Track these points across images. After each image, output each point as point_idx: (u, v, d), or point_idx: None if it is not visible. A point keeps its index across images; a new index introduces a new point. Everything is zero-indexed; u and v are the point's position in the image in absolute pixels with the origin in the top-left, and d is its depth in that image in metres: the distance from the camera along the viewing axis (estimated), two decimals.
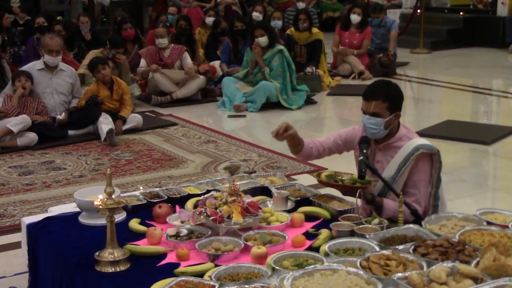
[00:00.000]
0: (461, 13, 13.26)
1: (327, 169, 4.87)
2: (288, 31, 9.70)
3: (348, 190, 3.36)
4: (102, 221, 2.99)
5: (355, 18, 10.07)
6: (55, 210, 3.60)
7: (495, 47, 12.35)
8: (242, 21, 9.45)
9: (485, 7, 13.08)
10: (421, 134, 6.46)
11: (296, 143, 3.66)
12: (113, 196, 2.80)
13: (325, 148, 3.68)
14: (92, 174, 5.79)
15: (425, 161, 3.38)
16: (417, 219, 3.17)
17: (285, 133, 3.57)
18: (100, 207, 2.76)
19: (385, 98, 3.37)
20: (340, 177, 3.40)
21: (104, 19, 14.36)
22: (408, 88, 9.75)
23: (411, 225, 2.88)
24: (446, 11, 13.86)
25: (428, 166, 3.40)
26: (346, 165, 4.14)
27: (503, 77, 10.30)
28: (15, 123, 6.51)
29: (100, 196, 2.80)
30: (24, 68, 7.08)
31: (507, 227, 2.82)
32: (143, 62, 8.60)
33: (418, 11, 12.81)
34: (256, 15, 10.46)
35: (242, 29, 9.23)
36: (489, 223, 2.91)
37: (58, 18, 10.52)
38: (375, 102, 3.36)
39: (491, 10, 12.81)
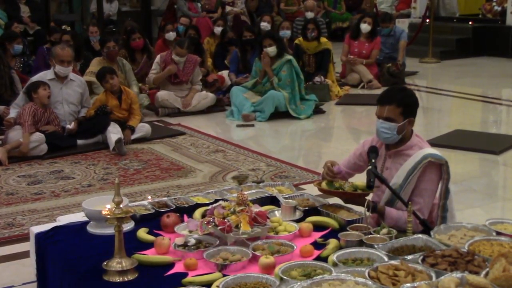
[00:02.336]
0: (470, 23, 13.25)
1: None
2: (296, 41, 9.71)
3: (349, 197, 3.35)
4: (110, 231, 2.99)
5: (365, 27, 10.08)
6: (64, 220, 3.61)
7: (504, 56, 12.32)
8: (251, 31, 9.48)
9: (494, 17, 13.06)
10: (431, 143, 6.43)
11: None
12: (121, 206, 2.80)
13: (349, 172, 3.70)
14: (101, 183, 5.80)
15: (432, 171, 3.37)
16: (426, 229, 3.15)
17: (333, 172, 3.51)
18: (108, 216, 2.77)
19: (399, 103, 3.37)
20: (340, 185, 3.39)
21: (114, 29, 14.42)
22: (417, 97, 9.73)
23: (420, 235, 2.87)
24: (455, 20, 13.84)
25: (436, 176, 3.38)
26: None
27: None
28: (30, 140, 6.52)
29: (108, 206, 2.81)
30: (35, 78, 7.09)
31: None
32: (156, 66, 8.51)
33: (427, 20, 12.81)
34: (265, 25, 10.48)
35: (250, 39, 9.25)
36: (498, 233, 2.90)
37: (64, 27, 10.54)
38: (389, 107, 3.36)
39: (500, 19, 12.79)
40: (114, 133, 6.78)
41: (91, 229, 3.28)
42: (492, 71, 11.39)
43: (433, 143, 6.64)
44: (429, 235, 2.89)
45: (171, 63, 8.37)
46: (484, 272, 2.37)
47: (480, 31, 12.90)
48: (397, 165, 3.42)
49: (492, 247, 2.68)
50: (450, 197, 3.43)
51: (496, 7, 13.05)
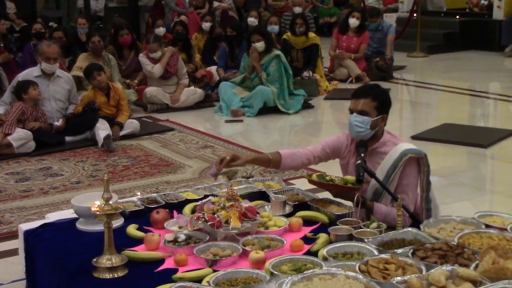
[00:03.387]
0: (457, 17, 13.28)
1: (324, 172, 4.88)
2: (284, 36, 9.71)
3: (339, 191, 3.34)
4: (99, 227, 2.98)
5: (353, 22, 10.08)
6: (53, 217, 3.58)
7: (491, 50, 12.37)
8: (233, 28, 9.45)
9: (481, 11, 13.11)
10: (419, 137, 6.51)
11: (262, 163, 3.53)
12: (110, 202, 2.79)
13: (315, 156, 3.57)
14: (90, 180, 5.78)
15: (413, 166, 3.36)
16: (415, 222, 3.16)
17: (221, 165, 3.28)
18: (98, 213, 2.75)
19: (374, 97, 3.37)
20: (330, 178, 3.38)
21: (101, 25, 14.36)
22: (405, 92, 9.76)
23: (410, 229, 2.88)
24: (442, 15, 13.88)
25: (416, 170, 3.38)
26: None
27: (499, 80, 10.31)
28: (17, 137, 6.49)
29: (98, 202, 2.79)
30: (21, 75, 7.05)
31: (505, 229, 2.82)
32: (147, 62, 8.44)
33: (415, 15, 12.83)
34: (252, 20, 10.48)
35: (232, 35, 9.24)
36: (487, 226, 2.91)
37: (50, 24, 10.49)
38: (364, 100, 3.36)
39: (487, 13, 12.84)
40: (102, 129, 6.76)
41: (80, 226, 3.27)
42: (479, 65, 11.44)
43: (421, 137, 6.67)
44: (419, 228, 2.90)
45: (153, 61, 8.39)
46: (474, 265, 2.38)
47: (467, 25, 12.94)
48: (374, 163, 3.39)
49: (482, 239, 2.69)
50: (431, 189, 3.43)
51: (482, 1, 13.09)
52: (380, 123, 3.40)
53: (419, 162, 3.37)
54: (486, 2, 12.95)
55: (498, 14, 12.42)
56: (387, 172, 3.33)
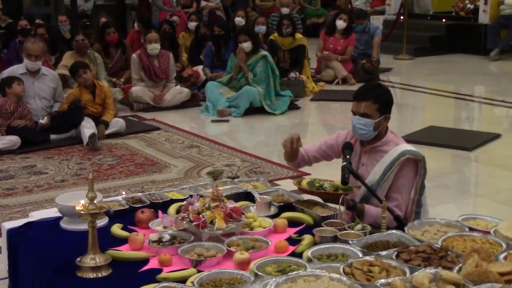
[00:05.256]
0: (443, 20, 13.35)
1: (310, 174, 4.89)
2: (271, 37, 9.71)
3: (330, 197, 3.35)
4: (83, 226, 2.96)
5: (341, 24, 10.11)
6: (36, 215, 3.56)
7: (477, 54, 12.45)
8: (221, 27, 9.45)
9: (467, 15, 13.18)
10: (405, 140, 6.51)
11: (295, 154, 3.64)
12: (95, 201, 2.77)
13: (316, 156, 3.69)
14: (74, 178, 5.75)
15: (410, 167, 3.39)
16: (400, 225, 3.17)
17: (298, 143, 3.55)
18: (82, 212, 2.74)
19: (376, 99, 3.38)
20: (320, 184, 3.39)
21: (87, 23, 14.30)
22: (392, 94, 9.79)
23: (394, 231, 2.88)
24: (429, 18, 13.94)
25: (413, 172, 3.40)
26: (333, 170, 4.13)
27: (484, 84, 10.38)
28: (2, 142, 6.45)
29: (82, 201, 2.78)
30: (6, 72, 7.01)
31: (489, 233, 2.84)
32: (135, 69, 8.37)
33: (401, 17, 12.89)
34: (239, 20, 10.48)
35: (221, 34, 9.23)
36: (471, 229, 2.92)
37: (37, 21, 10.43)
38: (365, 103, 3.37)
39: (473, 17, 12.92)
40: (87, 128, 6.73)
41: (64, 225, 3.25)
42: (464, 68, 11.51)
43: (407, 139, 6.62)
44: (403, 230, 2.91)
45: (148, 59, 8.31)
46: (457, 268, 2.39)
47: (453, 29, 13.02)
48: (373, 161, 3.43)
49: (465, 242, 2.70)
50: (424, 193, 3.45)
51: (468, 5, 13.17)
52: (383, 123, 3.43)
53: (417, 164, 3.39)
54: (472, 6, 13.03)
55: (483, 18, 12.50)
56: (384, 170, 3.36)
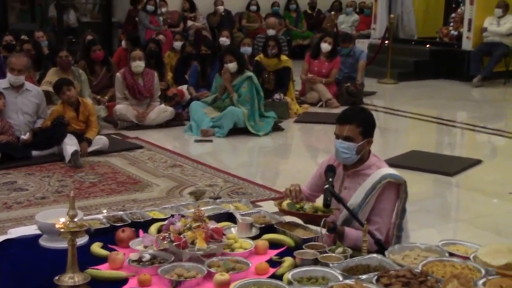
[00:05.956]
0: (427, 46, 13.49)
1: None
2: (257, 58, 9.76)
3: (310, 219, 3.36)
4: (63, 245, 2.93)
5: (325, 47, 10.18)
6: (15, 232, 3.53)
7: (460, 79, 12.57)
8: (208, 46, 9.49)
9: (451, 41, 13.33)
10: (387, 163, 6.54)
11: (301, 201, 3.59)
12: (75, 219, 2.76)
13: (312, 193, 3.70)
14: (55, 196, 5.71)
15: (391, 191, 3.41)
16: (381, 248, 3.18)
17: (300, 197, 3.49)
18: (62, 230, 2.72)
19: (359, 123, 3.41)
20: (301, 206, 3.39)
21: (73, 40, 14.29)
22: (374, 118, 9.84)
23: (375, 255, 2.89)
24: (413, 43, 14.08)
25: (394, 196, 3.42)
26: None
27: (467, 110, 10.48)
28: None
29: (62, 219, 2.76)
30: None
31: (468, 258, 2.85)
32: (119, 87, 8.36)
33: (386, 42, 13.01)
34: (224, 40, 10.53)
35: (207, 54, 9.27)
36: (451, 254, 2.94)
37: (22, 37, 10.41)
38: (349, 126, 3.40)
39: (456, 44, 13.06)
40: (70, 145, 6.69)
41: (44, 242, 3.22)
42: (448, 93, 11.61)
43: (390, 163, 6.64)
44: (384, 254, 2.92)
45: (132, 77, 8.31)
46: None
47: (437, 54, 13.15)
48: (356, 184, 3.45)
49: (445, 268, 2.72)
50: (405, 217, 3.47)
51: (452, 32, 13.32)
52: (366, 147, 3.45)
53: (399, 188, 3.41)
54: (455, 33, 13.18)
55: (467, 44, 12.64)
56: (365, 193, 3.38)
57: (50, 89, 7.62)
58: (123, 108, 8.31)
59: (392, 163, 6.47)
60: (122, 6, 15.01)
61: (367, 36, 14.54)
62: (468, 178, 6.54)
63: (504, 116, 10.27)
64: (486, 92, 11.67)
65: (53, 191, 5.83)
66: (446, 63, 12.93)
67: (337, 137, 3.43)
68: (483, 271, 2.65)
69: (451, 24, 13.43)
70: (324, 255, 2.95)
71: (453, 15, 13.63)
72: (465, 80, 12.40)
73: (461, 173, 6.60)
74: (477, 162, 6.96)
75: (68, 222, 2.73)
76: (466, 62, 12.48)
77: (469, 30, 12.56)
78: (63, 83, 7.08)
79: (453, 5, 14.70)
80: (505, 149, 8.17)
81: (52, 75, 7.99)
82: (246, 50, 10.13)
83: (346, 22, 15.50)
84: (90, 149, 6.98)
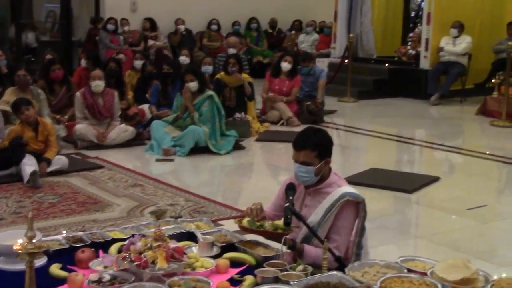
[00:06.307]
0: (386, 65, 13.69)
1: None
2: (218, 75, 9.78)
3: (270, 236, 3.39)
4: (21, 266, 2.90)
5: (285, 66, 10.28)
6: None
7: (418, 98, 12.76)
8: (170, 65, 9.49)
9: (409, 60, 13.55)
10: (347, 181, 6.60)
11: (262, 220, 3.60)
12: (34, 240, 2.72)
13: (275, 213, 3.71)
14: (13, 217, 5.62)
15: (350, 209, 3.45)
16: (341, 266, 3.21)
17: (261, 215, 3.50)
18: (20, 251, 2.68)
19: (314, 147, 3.44)
20: (261, 223, 3.41)
21: (32, 59, 14.15)
22: (335, 136, 9.94)
23: (335, 272, 2.92)
24: (372, 62, 14.26)
25: (353, 214, 3.46)
26: None
27: (425, 128, 10.65)
28: None
29: (20, 240, 2.72)
30: None
31: (426, 274, 2.90)
32: (79, 107, 8.31)
33: (346, 61, 13.17)
34: (183, 59, 10.56)
35: (169, 73, 9.27)
36: (409, 270, 2.99)
37: None
38: (304, 152, 3.44)
39: (414, 63, 13.28)
40: (29, 165, 6.61)
41: (1, 264, 3.17)
42: (406, 111, 11.79)
43: (350, 181, 6.72)
44: (344, 272, 2.95)
45: (92, 97, 8.26)
46: None
47: (395, 73, 13.34)
48: (316, 202, 3.49)
49: (403, 284, 2.76)
50: (365, 235, 3.51)
51: (410, 51, 13.54)
52: (324, 167, 3.49)
53: (358, 206, 3.45)
54: (413, 52, 13.40)
55: (424, 63, 12.87)
56: (324, 211, 3.42)
57: (8, 108, 7.52)
58: (83, 127, 8.25)
59: (352, 180, 6.57)
60: (82, 25, 14.93)
61: (327, 55, 14.70)
62: (426, 195, 6.64)
63: (461, 134, 10.48)
64: (444, 110, 11.88)
65: (11, 212, 5.74)
66: (404, 82, 13.13)
67: (295, 161, 3.48)
68: (439, 287, 2.70)
69: (409, 43, 13.66)
70: (285, 273, 2.97)
71: (410, 34, 13.86)
72: (423, 98, 12.61)
73: (420, 190, 6.69)
74: (436, 179, 7.07)
75: (26, 244, 2.70)
76: (423, 81, 12.70)
77: (426, 49, 12.80)
78: (22, 103, 7.00)
79: (411, 25, 14.96)
80: (463, 166, 8.32)
81: (10, 95, 7.89)
82: (207, 69, 10.15)
83: (306, 41, 15.65)
84: (49, 169, 6.90)
